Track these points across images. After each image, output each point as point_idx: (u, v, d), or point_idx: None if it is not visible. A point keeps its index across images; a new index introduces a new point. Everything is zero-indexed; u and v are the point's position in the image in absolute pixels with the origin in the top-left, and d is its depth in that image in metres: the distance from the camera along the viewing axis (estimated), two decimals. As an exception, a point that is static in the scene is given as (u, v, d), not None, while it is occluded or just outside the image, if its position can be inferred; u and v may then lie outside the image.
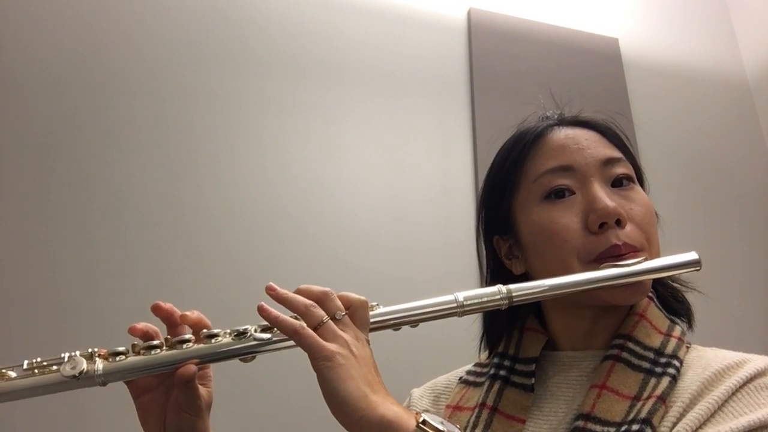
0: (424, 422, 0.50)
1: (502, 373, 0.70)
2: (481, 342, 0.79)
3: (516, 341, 0.73)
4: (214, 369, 0.66)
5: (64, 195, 1.34)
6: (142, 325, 0.61)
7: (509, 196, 0.73)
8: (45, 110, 1.38)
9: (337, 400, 0.52)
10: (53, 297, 1.26)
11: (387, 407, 0.52)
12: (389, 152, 1.63)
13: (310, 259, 1.45)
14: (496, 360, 0.72)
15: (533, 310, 0.75)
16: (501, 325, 0.76)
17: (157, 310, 0.62)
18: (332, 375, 0.52)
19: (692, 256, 0.66)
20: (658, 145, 1.93)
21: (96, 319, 1.27)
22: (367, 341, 0.58)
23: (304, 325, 0.55)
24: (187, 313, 0.62)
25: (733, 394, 0.56)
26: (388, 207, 1.58)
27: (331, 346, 0.54)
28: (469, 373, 0.77)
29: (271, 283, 0.59)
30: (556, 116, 0.78)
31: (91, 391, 0.57)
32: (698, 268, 0.66)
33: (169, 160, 1.44)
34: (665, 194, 1.86)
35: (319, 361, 0.53)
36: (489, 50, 1.83)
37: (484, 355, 0.79)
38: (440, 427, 0.50)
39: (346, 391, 0.52)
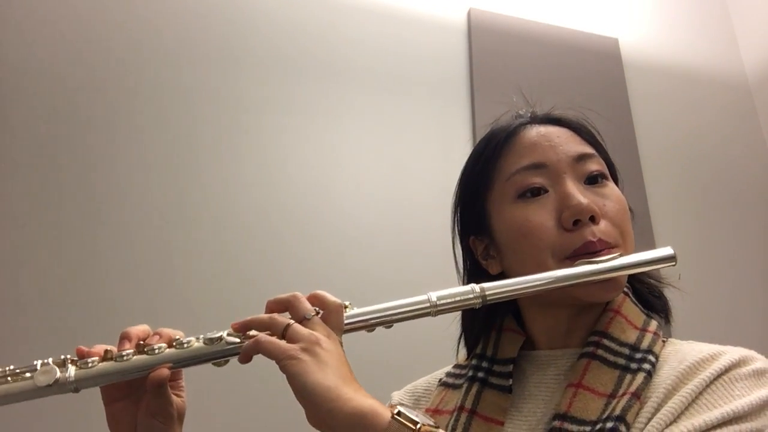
0: (399, 414, 0.49)
1: (480, 374, 0.69)
2: (459, 343, 0.79)
3: (494, 342, 0.72)
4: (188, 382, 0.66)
5: (66, 194, 1.34)
6: (92, 347, 0.60)
7: (483, 196, 0.73)
8: (47, 110, 1.38)
9: (306, 394, 0.50)
10: (55, 295, 1.26)
11: (360, 399, 0.50)
12: (389, 152, 1.63)
13: (309, 258, 1.45)
14: (474, 361, 0.72)
15: (511, 310, 0.74)
16: (479, 326, 0.75)
17: (126, 338, 0.61)
18: (299, 370, 0.51)
19: (667, 251, 0.66)
20: (658, 145, 1.93)
21: (97, 317, 1.27)
22: (341, 343, 0.57)
23: (263, 334, 0.55)
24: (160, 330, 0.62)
25: (708, 386, 0.55)
26: (387, 207, 1.58)
27: (294, 346, 0.53)
28: (448, 375, 0.76)
29: (232, 323, 0.59)
30: (528, 114, 0.77)
31: (64, 396, 0.57)
32: (673, 263, 0.65)
33: (169, 159, 1.44)
34: (665, 194, 1.86)
35: (284, 362, 0.52)
36: (489, 50, 1.83)
37: (462, 355, 0.78)
38: (415, 419, 0.49)
39: (315, 383, 0.50)
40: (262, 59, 1.59)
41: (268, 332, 0.56)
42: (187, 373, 0.64)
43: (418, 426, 0.48)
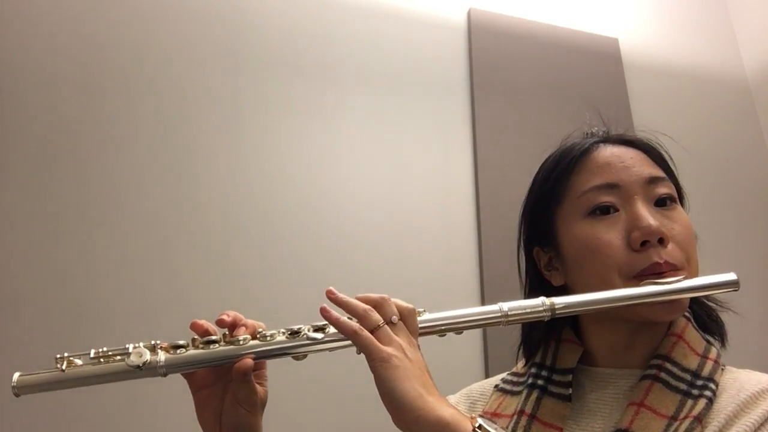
0: (480, 427, 0.52)
1: (540, 382, 0.72)
2: (518, 351, 0.81)
3: (553, 352, 0.75)
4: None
5: (62, 194, 1.34)
6: (203, 322, 0.64)
7: (553, 210, 0.75)
8: (45, 111, 1.38)
9: (395, 400, 0.54)
10: (53, 298, 1.26)
11: (444, 408, 0.54)
12: (389, 152, 1.63)
13: (308, 258, 1.45)
14: (533, 370, 0.74)
15: (570, 322, 0.76)
16: (538, 336, 0.77)
17: (221, 323, 0.65)
18: (389, 375, 0.54)
19: (730, 276, 0.68)
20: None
21: (96, 319, 1.27)
22: (418, 346, 0.60)
23: (363, 327, 0.58)
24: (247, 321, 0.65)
25: None
26: (387, 206, 1.58)
27: (388, 349, 0.56)
28: (505, 381, 0.79)
29: (330, 288, 0.61)
30: (601, 133, 0.79)
31: (151, 387, 0.59)
32: (736, 288, 0.68)
33: (169, 160, 1.44)
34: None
35: (377, 363, 0.55)
36: (489, 50, 1.83)
37: (520, 364, 0.81)
38: (493, 430, 0.52)
39: (404, 391, 0.54)
40: (261, 59, 1.59)
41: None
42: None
43: None
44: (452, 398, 0.85)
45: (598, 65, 1.95)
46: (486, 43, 1.83)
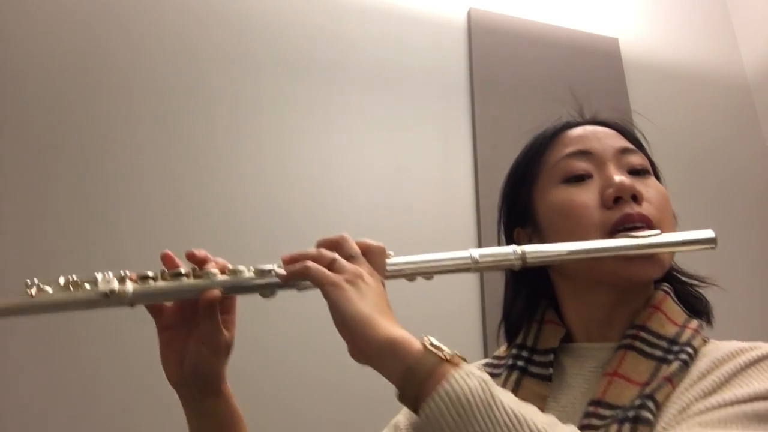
0: (431, 344, 0.51)
1: (519, 363, 0.70)
2: (498, 331, 0.80)
3: (534, 333, 0.73)
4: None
5: (63, 194, 1.34)
6: (172, 255, 0.64)
7: (529, 188, 0.75)
8: (45, 110, 1.39)
9: (345, 321, 0.53)
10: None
11: (394, 328, 0.53)
12: (389, 152, 1.63)
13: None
14: (514, 351, 0.73)
15: (552, 304, 0.76)
16: (520, 318, 0.76)
17: (190, 257, 0.64)
18: (339, 296, 0.54)
19: (708, 233, 0.66)
20: (658, 145, 1.93)
21: (94, 317, 1.27)
22: (383, 284, 0.59)
23: (311, 261, 0.57)
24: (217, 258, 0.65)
25: (742, 369, 0.55)
26: (387, 206, 1.58)
27: (340, 275, 0.56)
28: (486, 365, 0.77)
29: (282, 255, 0.61)
30: (574, 118, 0.80)
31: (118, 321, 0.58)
32: (713, 246, 0.66)
33: (168, 159, 1.44)
34: (665, 194, 1.86)
35: (327, 287, 0.55)
36: (489, 50, 1.83)
37: (502, 348, 0.79)
38: (446, 349, 0.51)
39: (354, 310, 0.53)
40: (261, 59, 1.59)
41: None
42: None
43: (446, 354, 0.50)
44: None
45: (598, 65, 1.95)
46: (486, 43, 1.84)
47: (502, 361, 0.74)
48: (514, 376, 0.69)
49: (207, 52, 1.55)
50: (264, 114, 1.55)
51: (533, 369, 0.69)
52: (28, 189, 1.33)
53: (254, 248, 1.43)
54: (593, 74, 1.92)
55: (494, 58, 1.82)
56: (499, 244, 0.81)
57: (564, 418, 0.62)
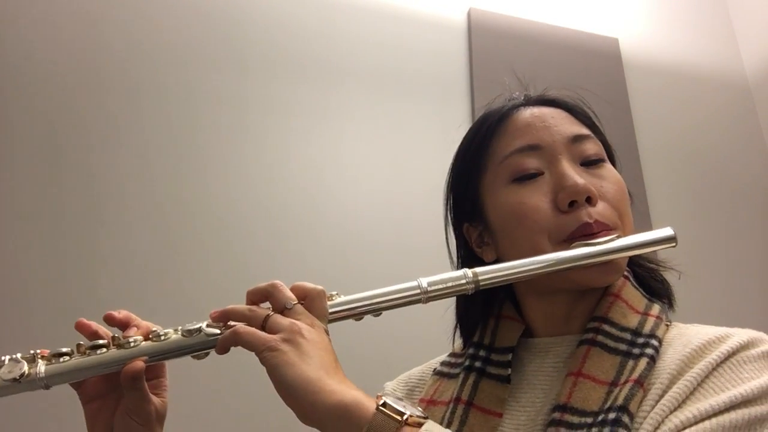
0: (384, 405, 0.47)
1: (477, 364, 0.67)
2: (454, 332, 0.76)
3: (492, 330, 0.69)
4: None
5: (66, 193, 1.34)
6: (91, 323, 0.59)
7: (476, 181, 0.71)
8: (50, 110, 1.39)
9: (286, 387, 0.48)
10: (57, 294, 1.27)
11: (344, 390, 0.48)
12: (390, 152, 1.63)
13: (311, 257, 1.46)
14: (471, 350, 0.69)
15: (509, 297, 0.72)
16: (476, 314, 0.72)
17: (110, 320, 0.60)
18: (278, 362, 0.49)
19: (667, 231, 0.63)
20: (658, 145, 1.94)
21: (97, 316, 1.27)
22: (326, 331, 0.55)
23: (241, 324, 0.53)
24: (134, 318, 0.60)
25: (714, 369, 0.52)
26: (388, 206, 1.58)
27: (276, 336, 0.51)
28: (443, 364, 0.73)
29: (212, 311, 0.57)
30: (521, 96, 0.75)
31: (36, 396, 0.54)
32: (674, 244, 0.63)
33: (173, 159, 1.44)
34: (664, 194, 1.86)
35: (264, 353, 0.50)
36: (489, 50, 1.83)
37: (458, 344, 0.75)
38: (402, 410, 0.47)
39: (295, 375, 0.48)
40: (262, 59, 1.59)
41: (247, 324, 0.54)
42: (171, 369, 0.62)
43: (405, 417, 0.46)
44: (389, 385, 0.78)
45: (598, 65, 1.95)
46: (486, 43, 1.84)
47: (460, 360, 0.71)
48: (472, 378, 0.65)
49: (211, 53, 1.55)
50: (266, 114, 1.55)
51: (491, 370, 0.66)
52: (33, 188, 1.33)
53: (254, 248, 1.43)
54: (593, 74, 1.92)
55: (494, 58, 1.82)
56: (446, 240, 0.78)
57: (526, 419, 0.60)
